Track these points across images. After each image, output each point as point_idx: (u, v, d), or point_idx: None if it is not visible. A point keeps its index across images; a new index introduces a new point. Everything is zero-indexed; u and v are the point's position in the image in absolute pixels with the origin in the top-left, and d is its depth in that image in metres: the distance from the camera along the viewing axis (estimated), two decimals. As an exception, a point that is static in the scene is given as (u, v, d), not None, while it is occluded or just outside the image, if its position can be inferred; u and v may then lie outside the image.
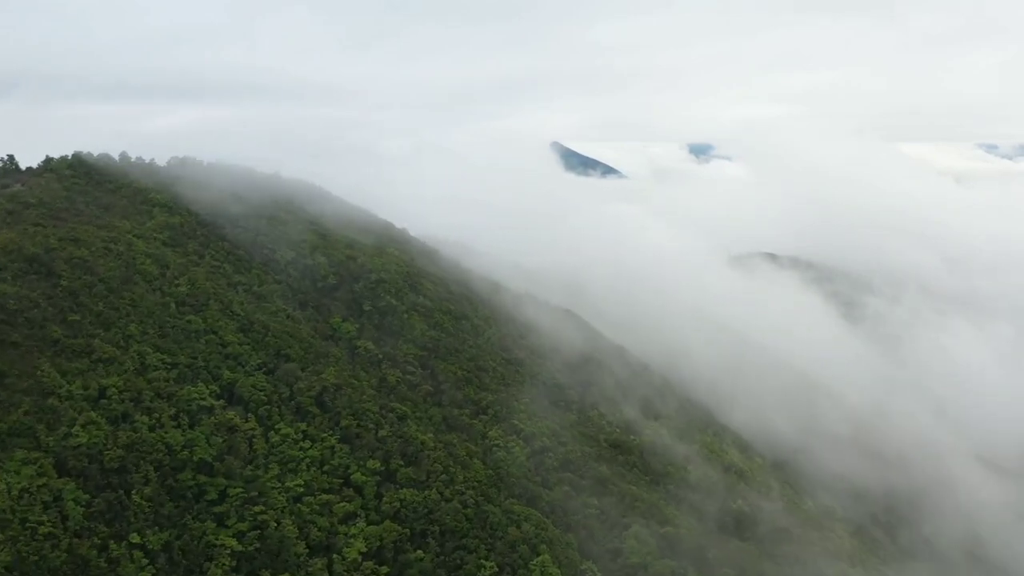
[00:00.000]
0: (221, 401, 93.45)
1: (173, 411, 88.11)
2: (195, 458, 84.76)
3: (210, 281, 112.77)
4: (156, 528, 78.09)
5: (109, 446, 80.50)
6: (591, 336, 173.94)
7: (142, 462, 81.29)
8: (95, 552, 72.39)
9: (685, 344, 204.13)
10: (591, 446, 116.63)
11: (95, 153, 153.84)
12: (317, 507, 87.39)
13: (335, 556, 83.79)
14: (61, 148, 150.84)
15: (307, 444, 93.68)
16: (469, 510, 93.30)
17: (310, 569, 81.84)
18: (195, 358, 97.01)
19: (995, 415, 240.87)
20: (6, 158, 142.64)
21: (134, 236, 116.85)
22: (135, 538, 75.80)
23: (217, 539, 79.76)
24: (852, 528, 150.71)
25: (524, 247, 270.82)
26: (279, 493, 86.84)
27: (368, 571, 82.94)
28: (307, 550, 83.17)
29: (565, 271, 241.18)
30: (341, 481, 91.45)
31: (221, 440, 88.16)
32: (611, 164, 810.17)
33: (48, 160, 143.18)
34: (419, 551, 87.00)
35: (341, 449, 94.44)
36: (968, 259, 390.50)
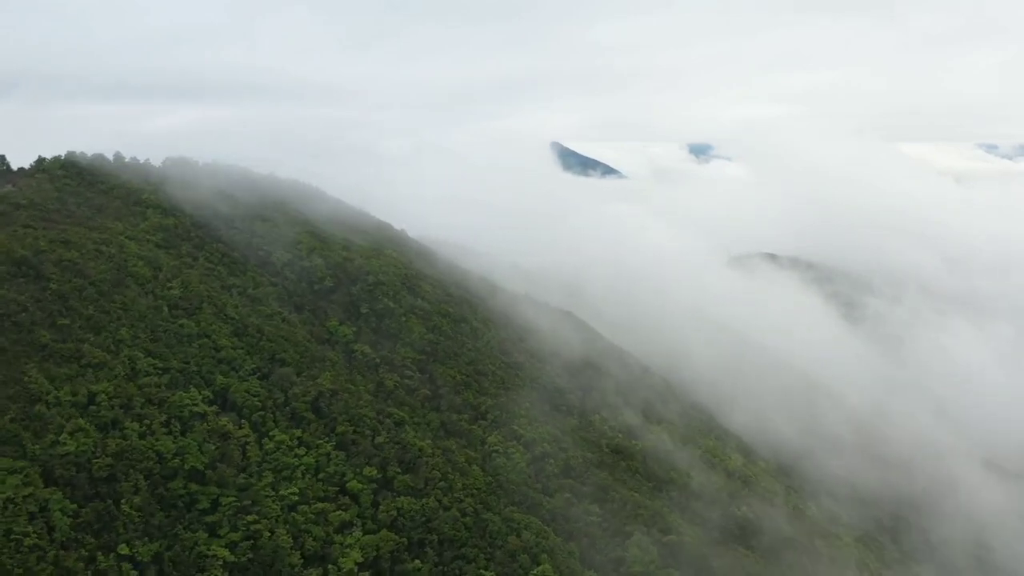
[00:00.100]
0: (214, 407, 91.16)
1: (164, 418, 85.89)
2: (187, 466, 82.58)
3: (204, 284, 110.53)
4: (146, 539, 75.94)
5: (98, 454, 78.36)
6: (591, 338, 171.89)
7: (132, 470, 79.12)
8: (82, 564, 70.32)
9: (685, 345, 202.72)
10: (592, 452, 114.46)
11: (95, 153, 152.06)
12: (312, 516, 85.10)
13: (330, 567, 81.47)
14: (60, 148, 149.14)
15: (302, 451, 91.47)
16: (468, 518, 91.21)
17: (305, 580, 79.70)
18: (187, 363, 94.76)
19: (997, 416, 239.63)
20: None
21: (126, 238, 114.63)
22: (124, 549, 73.64)
23: (209, 550, 77.57)
24: (857, 533, 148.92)
25: (524, 247, 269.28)
26: (273, 502, 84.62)
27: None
28: (302, 560, 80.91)
29: (565, 272, 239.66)
30: (337, 489, 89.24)
31: (214, 447, 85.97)
32: (611, 164, 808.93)
33: (40, 160, 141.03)
34: (417, 561, 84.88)
35: (337, 456, 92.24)
36: (968, 259, 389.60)
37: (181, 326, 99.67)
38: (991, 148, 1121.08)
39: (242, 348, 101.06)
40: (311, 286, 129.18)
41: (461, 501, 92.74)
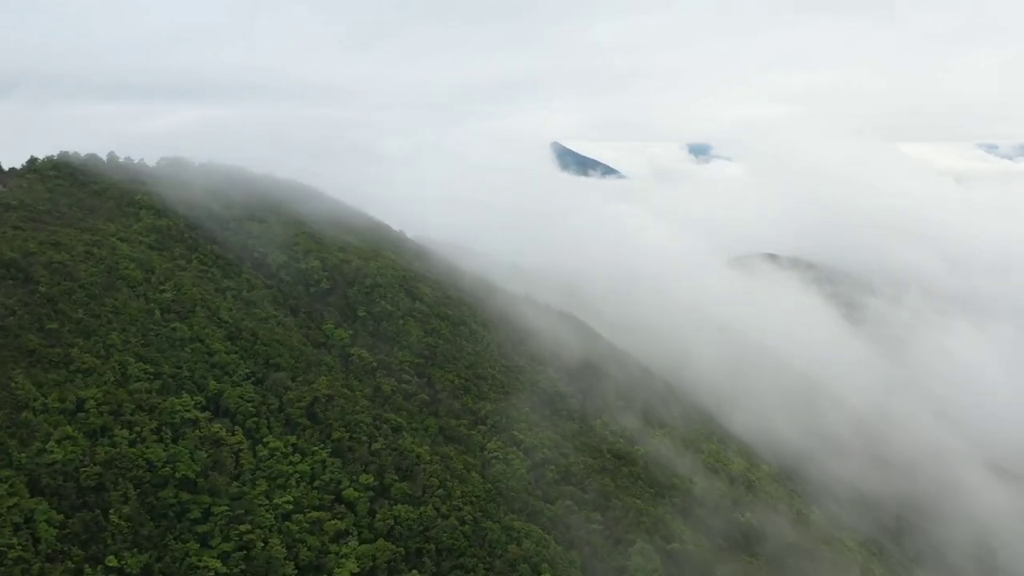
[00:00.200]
0: (206, 413, 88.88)
1: (155, 424, 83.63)
2: (178, 474, 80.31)
3: (197, 287, 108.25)
4: (135, 550, 73.59)
5: (86, 463, 76.17)
6: (592, 340, 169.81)
7: (121, 479, 76.93)
8: (69, 577, 68.05)
9: (686, 346, 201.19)
10: (594, 457, 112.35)
11: (88, 153, 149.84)
12: (307, 525, 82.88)
13: (325, 577, 79.37)
14: (58, 148, 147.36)
15: (297, 458, 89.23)
16: (467, 527, 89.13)
17: (299, 592, 77.59)
18: (180, 368, 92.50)
19: (999, 417, 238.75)
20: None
21: (118, 240, 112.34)
22: (112, 561, 71.35)
23: (200, 561, 75.27)
24: (860, 537, 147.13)
25: (524, 248, 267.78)
26: (267, 511, 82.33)
27: (360, 594, 78.67)
28: (296, 571, 78.58)
29: (565, 272, 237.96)
30: (332, 497, 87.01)
31: (206, 455, 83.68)
32: (611, 164, 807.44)
33: (32, 161, 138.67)
34: (414, 571, 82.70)
35: (333, 463, 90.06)
36: (969, 259, 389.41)
37: (173, 330, 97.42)
38: (991, 148, 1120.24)
39: (236, 352, 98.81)
40: (307, 288, 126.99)
41: (460, 509, 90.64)
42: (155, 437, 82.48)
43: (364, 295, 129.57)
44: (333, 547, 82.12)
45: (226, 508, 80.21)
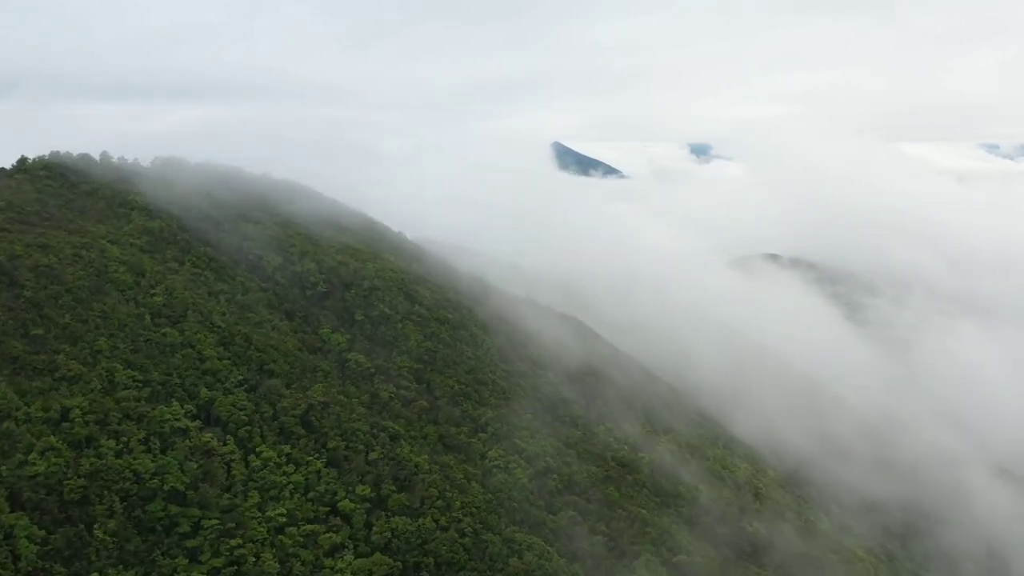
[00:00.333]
0: (197, 422, 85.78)
1: (143, 434, 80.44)
2: (166, 486, 77.16)
3: (189, 290, 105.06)
4: (121, 566, 70.48)
5: (70, 475, 72.97)
6: (594, 343, 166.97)
7: (106, 492, 73.73)
8: (50, 597, 64.92)
9: (688, 347, 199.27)
10: (597, 465, 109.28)
11: (81, 153, 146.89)
12: (301, 539, 79.75)
13: (320, 594, 76.30)
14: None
15: (291, 468, 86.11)
16: (467, 539, 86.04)
17: (292, 610, 74.53)
18: (170, 375, 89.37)
19: (1004, 419, 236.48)
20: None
21: (108, 242, 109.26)
22: (96, 579, 68.25)
23: (189, 577, 72.25)
24: (868, 544, 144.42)
25: (525, 248, 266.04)
26: (259, 524, 79.26)
27: (356, 611, 75.59)
28: (289, 587, 75.60)
29: (566, 272, 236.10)
30: (327, 509, 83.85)
31: (196, 466, 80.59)
32: (612, 164, 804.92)
33: (23, 160, 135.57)
34: (412, 587, 79.67)
35: (328, 474, 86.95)
36: (971, 260, 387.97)
37: (164, 335, 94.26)
38: (992, 148, 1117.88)
39: (228, 359, 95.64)
40: (303, 291, 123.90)
41: (459, 521, 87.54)
42: (143, 447, 79.30)
43: (362, 298, 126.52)
44: (328, 561, 79.00)
45: (216, 521, 77.13)
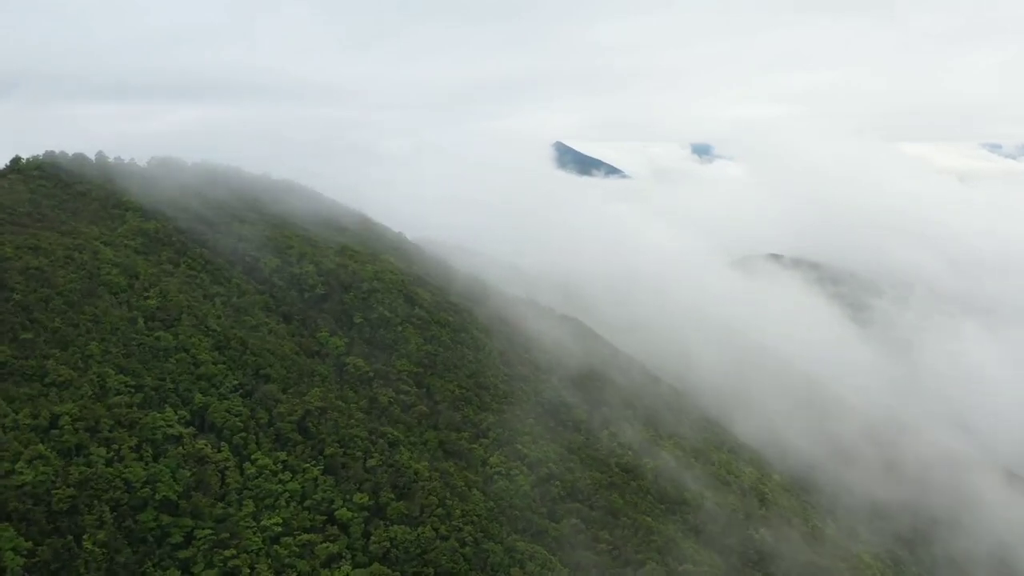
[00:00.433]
0: (191, 429, 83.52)
1: (135, 441, 78.22)
2: (158, 496, 74.91)
3: (184, 293, 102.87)
4: (110, 579, 68.25)
5: (58, 484, 70.74)
6: (596, 345, 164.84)
7: (96, 502, 71.49)
8: (36, 611, 62.74)
9: (691, 348, 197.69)
10: (601, 471, 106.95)
11: (76, 153, 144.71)
12: (297, 549, 77.48)
13: (316, 606, 74.05)
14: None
15: (287, 476, 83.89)
16: (467, 549, 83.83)
17: (287, 623, 72.30)
18: (163, 380, 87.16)
19: (1008, 420, 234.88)
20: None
21: (102, 243, 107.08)
22: (85, 592, 66.03)
23: (181, 589, 70.05)
24: (875, 549, 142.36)
25: (526, 249, 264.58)
26: (254, 533, 77.02)
27: (353, 624, 73.37)
28: (285, 599, 73.38)
29: (567, 273, 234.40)
30: (324, 518, 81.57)
31: (189, 474, 78.35)
32: (614, 164, 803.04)
33: (16, 161, 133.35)
34: (411, 598, 77.42)
35: (325, 481, 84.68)
36: (973, 260, 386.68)
37: (157, 339, 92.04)
38: (995, 147, 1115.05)
39: (223, 363, 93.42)
40: (301, 294, 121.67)
41: (460, 530, 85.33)
42: (134, 455, 77.08)
43: (361, 300, 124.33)
44: (325, 572, 76.74)
45: (210, 531, 74.91)
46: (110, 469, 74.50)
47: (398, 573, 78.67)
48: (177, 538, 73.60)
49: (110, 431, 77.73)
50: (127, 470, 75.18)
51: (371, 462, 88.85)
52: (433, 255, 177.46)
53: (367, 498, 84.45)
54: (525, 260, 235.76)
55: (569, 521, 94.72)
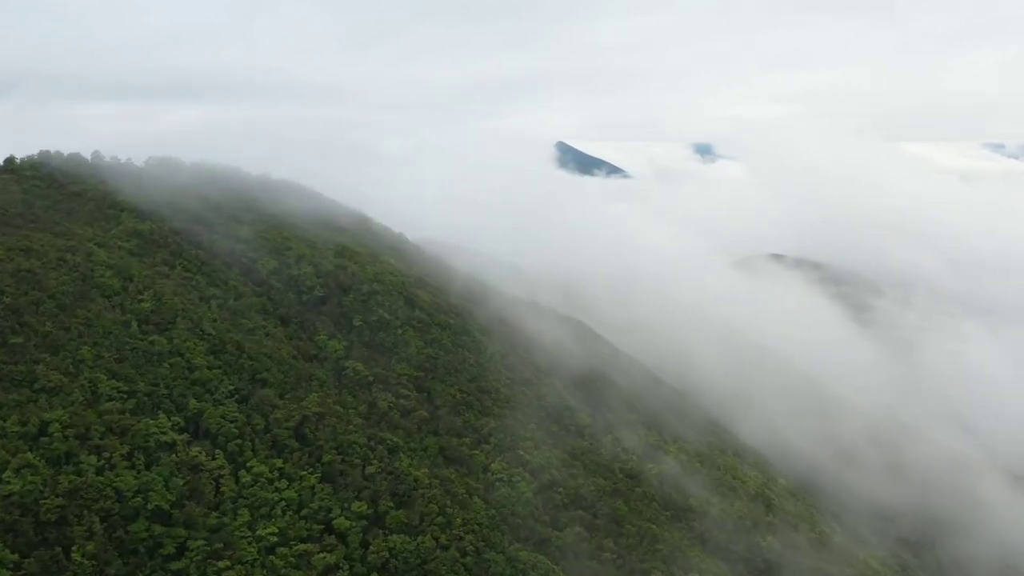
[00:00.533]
0: (184, 435, 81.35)
1: (127, 449, 76.04)
2: (150, 505, 72.75)
3: (179, 295, 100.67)
4: (100, 592, 66.12)
5: (46, 493, 68.63)
6: (599, 347, 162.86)
7: (86, 512, 69.35)
8: (22, 627, 60.60)
9: (694, 349, 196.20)
10: (605, 477, 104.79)
11: (71, 152, 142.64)
12: (293, 559, 75.28)
13: (313, 619, 71.96)
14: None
15: (283, 484, 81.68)
16: (468, 558, 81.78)
17: (283, 636, 70.18)
18: (156, 385, 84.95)
19: (1011, 422, 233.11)
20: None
21: (95, 245, 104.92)
22: (73, 606, 63.93)
23: (174, 602, 67.95)
24: (882, 554, 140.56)
25: (527, 249, 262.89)
26: (249, 543, 74.87)
27: (351, 638, 71.24)
28: (280, 612, 71.25)
29: (569, 273, 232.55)
30: (322, 527, 79.44)
31: (182, 482, 76.20)
32: (616, 164, 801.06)
33: (10, 160, 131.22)
34: (411, 610, 75.29)
35: (322, 489, 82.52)
36: (976, 260, 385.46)
37: (151, 343, 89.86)
38: (997, 147, 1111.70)
39: (219, 368, 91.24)
40: (299, 296, 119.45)
41: (461, 539, 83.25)
42: (126, 463, 74.91)
43: (360, 303, 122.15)
44: (322, 583, 74.60)
45: (203, 542, 72.77)
46: (101, 478, 72.36)
47: (397, 584, 76.61)
48: (170, 549, 71.46)
49: (101, 438, 75.56)
50: (118, 479, 73.02)
51: (370, 469, 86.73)
52: (433, 256, 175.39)
53: (366, 506, 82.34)
54: (526, 260, 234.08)
55: (573, 529, 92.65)
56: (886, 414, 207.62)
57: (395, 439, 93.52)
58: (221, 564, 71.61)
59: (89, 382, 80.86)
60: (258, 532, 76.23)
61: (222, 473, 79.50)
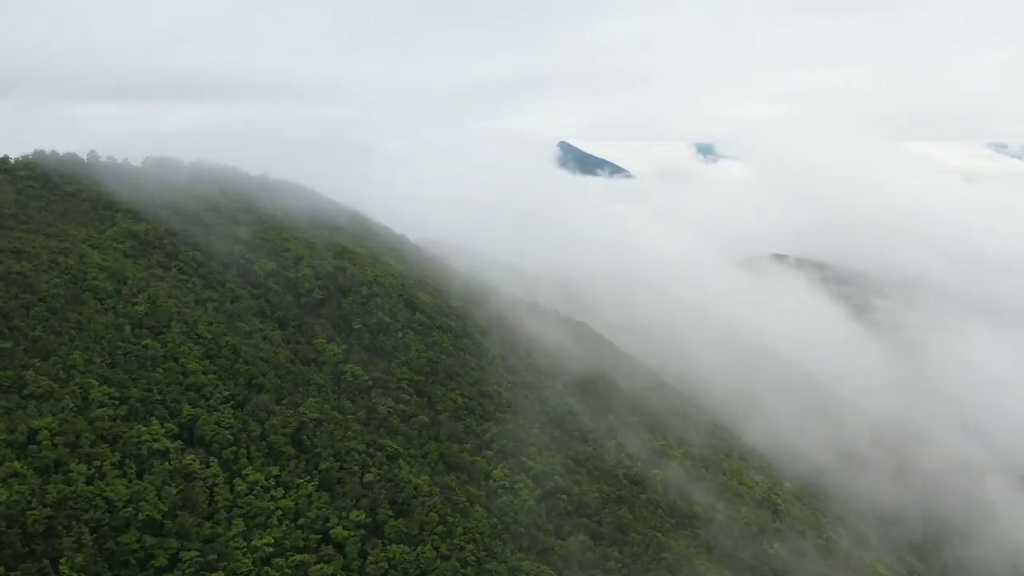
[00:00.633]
0: (178, 443, 79.26)
1: (118, 457, 74.01)
2: (141, 515, 70.77)
3: (174, 298, 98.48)
4: (89, 606, 64.06)
5: (34, 504, 66.59)
6: (602, 349, 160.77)
7: (75, 522, 67.36)
8: (7, 643, 58.59)
9: (697, 349, 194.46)
10: (609, 484, 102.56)
11: (67, 152, 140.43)
12: (289, 570, 73.35)
13: (309, 632, 69.87)
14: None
15: (279, 493, 79.61)
16: (469, 569, 79.82)
17: (278, 651, 68.12)
18: (149, 391, 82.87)
19: (1016, 423, 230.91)
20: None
21: (89, 246, 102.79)
22: (61, 621, 61.91)
23: (165, 616, 65.91)
24: (888, 558, 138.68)
25: (529, 249, 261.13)
26: (244, 554, 72.91)
27: (348, 652, 69.15)
28: (276, 625, 69.18)
29: (570, 274, 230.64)
30: (319, 537, 77.42)
31: (175, 491, 74.19)
32: (619, 164, 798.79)
33: (4, 160, 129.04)
34: (410, 623, 73.19)
35: (320, 498, 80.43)
36: (980, 260, 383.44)
37: (144, 348, 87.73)
38: (1000, 147, 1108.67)
39: (214, 372, 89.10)
40: (297, 299, 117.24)
41: (462, 549, 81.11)
42: (117, 472, 72.87)
43: (360, 305, 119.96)
44: (319, 595, 72.52)
45: (196, 553, 70.81)
46: (90, 487, 70.38)
47: (396, 595, 74.51)
48: (161, 560, 69.52)
49: (91, 446, 73.57)
50: (109, 488, 71.03)
51: (368, 477, 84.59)
52: (434, 256, 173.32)
53: (364, 515, 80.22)
54: (526, 261, 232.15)
55: (576, 538, 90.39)
56: (890, 415, 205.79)
57: (394, 445, 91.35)
58: (215, 576, 69.57)
59: (80, 388, 78.80)
60: (253, 542, 74.23)
61: (216, 481, 77.44)
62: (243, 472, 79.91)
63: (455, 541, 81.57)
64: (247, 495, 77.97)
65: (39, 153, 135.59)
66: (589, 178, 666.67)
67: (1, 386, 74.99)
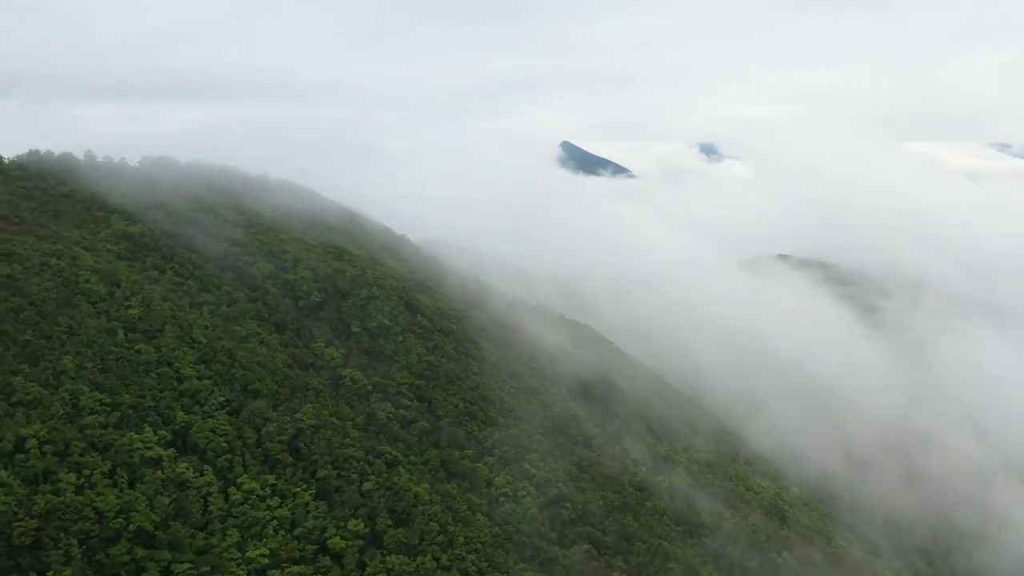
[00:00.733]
0: (171, 450, 76.92)
1: (109, 466, 71.70)
2: (132, 526, 68.42)
3: (168, 301, 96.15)
4: (77, 621, 61.88)
5: (21, 515, 64.31)
6: (606, 353, 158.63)
7: (63, 534, 65.06)
8: (-9, 662, 56.41)
9: (700, 350, 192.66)
10: (614, 491, 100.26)
11: (63, 152, 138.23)
12: (285, 583, 70.98)
13: (306, 648, 67.69)
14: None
15: (275, 502, 77.38)
16: (471, 580, 77.26)
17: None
18: (142, 397, 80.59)
19: (1022, 425, 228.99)
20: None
21: (82, 248, 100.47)
22: (48, 637, 59.71)
23: (157, 632, 63.72)
24: (897, 564, 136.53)
25: (531, 250, 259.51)
26: (238, 566, 70.65)
27: (346, 668, 66.93)
28: (271, 640, 66.99)
29: (572, 274, 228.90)
30: (316, 548, 75.13)
31: (168, 501, 71.87)
32: (621, 164, 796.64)
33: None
34: (410, 637, 70.98)
35: (317, 507, 78.18)
36: (984, 260, 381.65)
37: (137, 352, 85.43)
38: (1003, 147, 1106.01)
39: (209, 378, 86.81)
40: (295, 302, 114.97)
41: (463, 559, 78.93)
42: (108, 481, 70.57)
43: (359, 308, 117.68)
44: (316, 609, 70.37)
45: (189, 565, 68.60)
46: (80, 497, 68.06)
47: (396, 608, 72.31)
48: (153, 573, 67.29)
49: (81, 455, 71.29)
50: (99, 498, 68.70)
51: (367, 485, 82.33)
52: (434, 257, 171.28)
53: (363, 525, 77.98)
54: (527, 261, 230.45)
55: (580, 547, 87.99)
56: (895, 416, 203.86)
57: (394, 452, 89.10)
58: (208, 589, 67.35)
59: (70, 394, 76.47)
60: (248, 554, 71.93)
61: (210, 491, 75.14)
62: (238, 481, 77.66)
63: (456, 551, 79.40)
64: (242, 504, 75.74)
65: (33, 153, 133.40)
66: (592, 178, 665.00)
67: (-12, 393, 72.73)
